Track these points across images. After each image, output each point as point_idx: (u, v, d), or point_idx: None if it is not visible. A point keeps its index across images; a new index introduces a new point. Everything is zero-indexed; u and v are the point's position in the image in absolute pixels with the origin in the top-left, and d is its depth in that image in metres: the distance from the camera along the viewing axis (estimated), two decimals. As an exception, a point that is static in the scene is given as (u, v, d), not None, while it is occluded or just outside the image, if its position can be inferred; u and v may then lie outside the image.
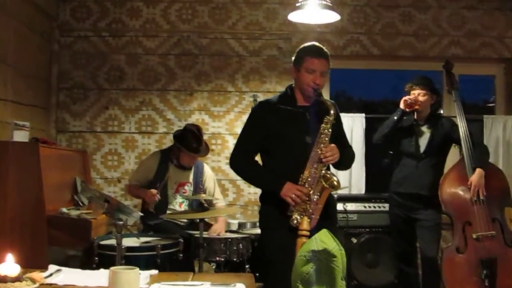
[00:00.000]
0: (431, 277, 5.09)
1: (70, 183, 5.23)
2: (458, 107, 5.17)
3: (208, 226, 5.36)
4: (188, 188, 5.50)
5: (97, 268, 3.52)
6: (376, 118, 6.40)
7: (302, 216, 3.59)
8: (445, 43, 6.58)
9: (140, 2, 6.49)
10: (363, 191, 6.39)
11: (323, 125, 3.71)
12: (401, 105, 5.27)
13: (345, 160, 3.94)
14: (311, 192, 3.63)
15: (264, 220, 3.97)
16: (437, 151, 5.24)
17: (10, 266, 2.73)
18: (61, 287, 2.81)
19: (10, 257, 2.76)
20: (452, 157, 5.56)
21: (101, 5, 6.46)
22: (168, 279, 2.93)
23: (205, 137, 5.71)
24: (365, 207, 5.87)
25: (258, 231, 4.38)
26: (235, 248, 4.94)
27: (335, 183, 3.65)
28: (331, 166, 3.84)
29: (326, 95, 6.28)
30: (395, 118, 5.28)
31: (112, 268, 2.57)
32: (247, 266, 4.98)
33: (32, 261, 3.77)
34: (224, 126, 6.47)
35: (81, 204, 5.10)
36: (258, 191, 4.16)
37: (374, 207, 5.85)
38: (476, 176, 4.90)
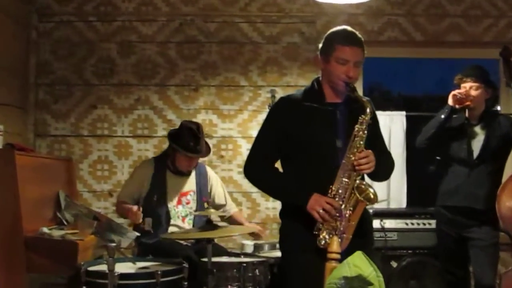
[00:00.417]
0: (488, 308, 5.09)
1: (52, 197, 5.25)
2: (518, 102, 5.18)
3: (254, 236, 5.55)
4: (192, 198, 5.51)
5: (86, 299, 3.53)
6: (419, 116, 6.41)
7: (331, 236, 3.59)
8: (502, 26, 6.57)
9: (134, -20, 6.54)
10: (404, 205, 6.40)
11: (357, 126, 3.69)
12: (450, 101, 5.26)
13: (383, 169, 3.91)
14: (342, 206, 3.63)
15: (285, 240, 3.97)
16: (494, 156, 5.23)
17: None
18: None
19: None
20: (512, 163, 5.55)
21: (87, -16, 6.53)
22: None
23: (213, 141, 5.75)
24: (406, 224, 5.87)
25: (278, 253, 4.37)
26: (250, 274, 4.93)
27: (372, 195, 3.65)
28: (365, 176, 3.84)
29: (359, 89, 6.28)
30: (443, 116, 5.27)
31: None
32: (265, 297, 4.98)
33: (8, 291, 3.80)
34: (236, 128, 6.49)
35: (65, 222, 5.12)
36: (278, 205, 4.17)
37: (418, 224, 5.85)
38: (543, 186, 4.89)
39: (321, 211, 3.61)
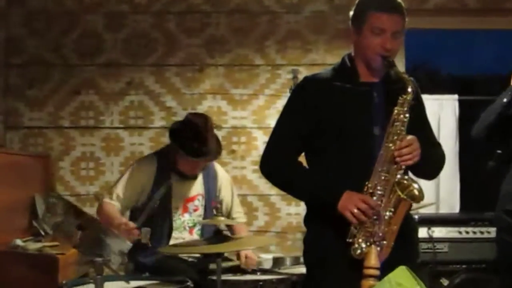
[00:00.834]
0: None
1: (26, 203, 5.28)
2: None
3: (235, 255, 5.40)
4: (200, 203, 5.48)
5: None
6: (474, 101, 6.39)
7: (368, 244, 3.58)
8: None
9: None
10: (456, 210, 6.40)
11: (396, 108, 3.69)
12: (513, 83, 5.26)
13: (430, 163, 3.91)
14: (381, 205, 3.62)
15: (311, 252, 3.96)
16: None
17: None
18: None
19: None
20: None
21: None
22: None
23: (222, 133, 5.72)
24: (460, 232, 5.87)
25: (303, 269, 4.38)
26: (269, 294, 4.95)
27: (416, 192, 3.63)
28: (409, 172, 3.83)
29: (400, 68, 6.27)
30: (505, 101, 5.24)
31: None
32: (287, 321, 4.99)
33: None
34: (251, 117, 6.51)
35: (42, 233, 5.15)
36: (302, 211, 4.17)
37: (474, 232, 5.85)
38: None
39: (355, 210, 3.59)
